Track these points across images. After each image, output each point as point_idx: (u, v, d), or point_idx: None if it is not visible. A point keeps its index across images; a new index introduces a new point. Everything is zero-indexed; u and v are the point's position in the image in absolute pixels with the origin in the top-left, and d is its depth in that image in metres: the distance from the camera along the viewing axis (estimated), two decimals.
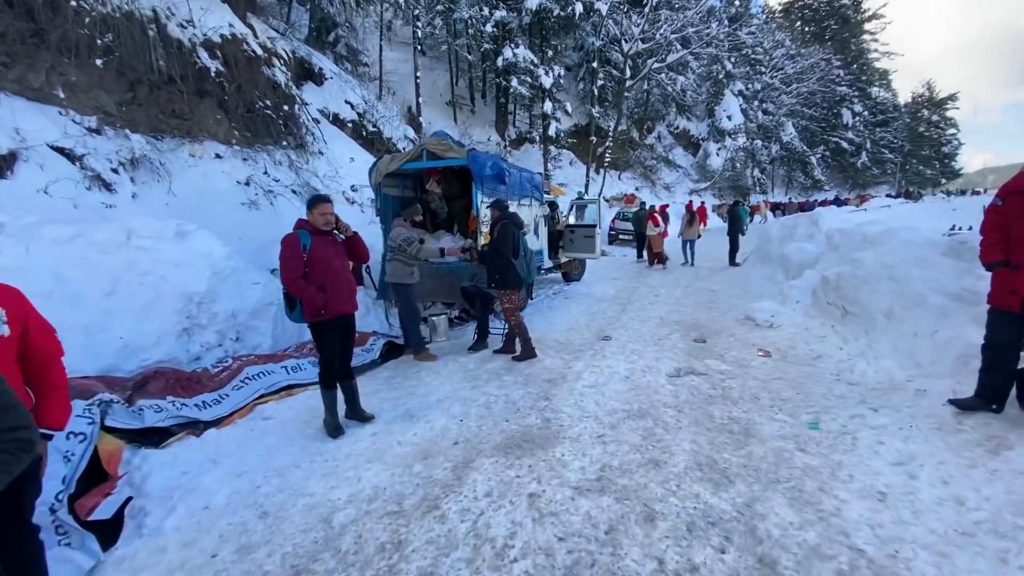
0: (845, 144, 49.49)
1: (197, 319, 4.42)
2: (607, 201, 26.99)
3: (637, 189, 32.16)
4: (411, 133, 17.92)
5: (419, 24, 18.67)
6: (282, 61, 12.54)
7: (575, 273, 10.36)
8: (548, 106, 24.02)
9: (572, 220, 9.99)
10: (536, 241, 8.28)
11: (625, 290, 9.39)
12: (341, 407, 3.73)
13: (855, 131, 50.68)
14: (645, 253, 13.40)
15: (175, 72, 9.46)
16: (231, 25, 10.47)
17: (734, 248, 11.70)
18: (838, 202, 36.75)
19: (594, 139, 28.08)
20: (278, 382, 4.26)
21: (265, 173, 10.53)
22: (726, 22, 34.92)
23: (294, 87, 13.70)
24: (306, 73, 15.39)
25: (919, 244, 4.43)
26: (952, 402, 3.32)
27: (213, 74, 9.86)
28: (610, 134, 29.30)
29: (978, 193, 53.72)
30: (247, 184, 9.97)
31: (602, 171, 29.43)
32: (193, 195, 9.14)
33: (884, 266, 4.52)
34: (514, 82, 23.46)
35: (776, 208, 34.90)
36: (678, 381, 4.36)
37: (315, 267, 3.34)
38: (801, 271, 7.80)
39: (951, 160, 66.11)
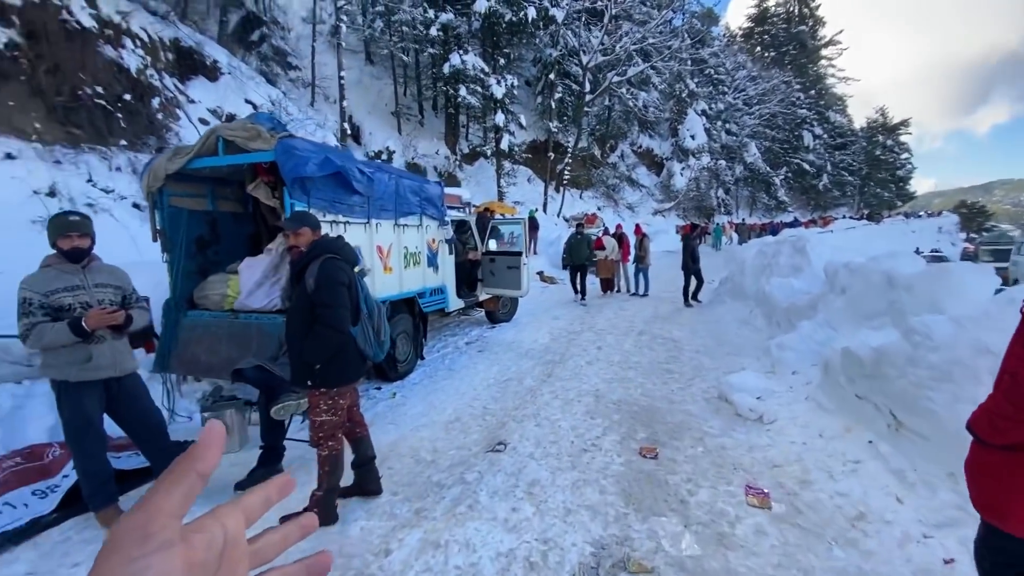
0: (807, 166, 49.56)
1: None
2: (567, 221, 25.09)
3: (599, 209, 30.51)
4: (333, 140, 15.49)
5: (344, 18, 16.40)
6: (139, 43, 10.01)
7: (503, 312, 8.05)
8: (500, 118, 22.01)
9: (492, 245, 7.71)
10: (433, 275, 5.94)
11: (562, 336, 7.11)
12: None
13: (816, 153, 50.92)
14: (597, 284, 11.37)
15: None
16: None
17: (689, 283, 9.24)
18: (795, 223, 35.79)
19: (552, 155, 26.26)
20: None
21: (89, 181, 7.91)
22: (688, 38, 34.07)
23: (167, 78, 11.16)
24: (195, 66, 12.84)
25: None
26: None
27: (2, 47, 7.26)
28: (569, 150, 27.59)
29: (934, 215, 55.36)
30: (51, 195, 7.34)
31: (562, 189, 27.64)
32: None
33: (980, 349, 2.37)
34: (462, 91, 21.40)
35: (739, 229, 33.76)
36: None
37: None
38: (791, 319, 5.70)
39: (905, 183, 67.70)
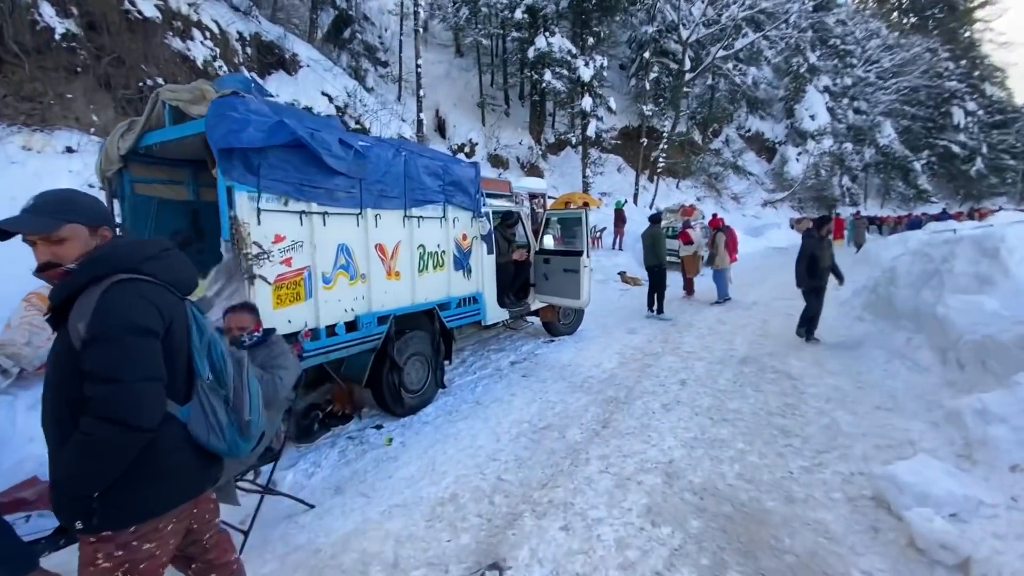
0: (956, 148, 41.70)
1: None
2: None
3: (699, 199, 27.67)
4: (409, 131, 14.89)
5: (421, 3, 15.74)
6: (209, 34, 9.86)
7: (564, 323, 6.64)
8: (587, 102, 20.34)
9: (548, 242, 6.29)
10: (463, 281, 4.71)
11: (635, 360, 5.57)
12: None
13: (968, 133, 42.63)
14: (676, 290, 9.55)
15: (7, 35, 6.91)
16: None
17: (809, 314, 6.08)
18: (944, 216, 29.52)
19: (645, 141, 24.04)
20: None
21: None
22: (809, 5, 29.66)
23: (245, 72, 11.07)
24: (276, 61, 12.77)
25: None
26: None
27: (59, 38, 7.18)
28: (665, 136, 25.10)
29: None
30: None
31: (656, 178, 25.32)
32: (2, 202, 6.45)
33: None
34: (547, 75, 20.02)
35: (871, 222, 28.62)
36: None
37: None
38: (987, 361, 3.72)
39: None
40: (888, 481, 2.62)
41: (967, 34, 50.61)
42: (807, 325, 6.14)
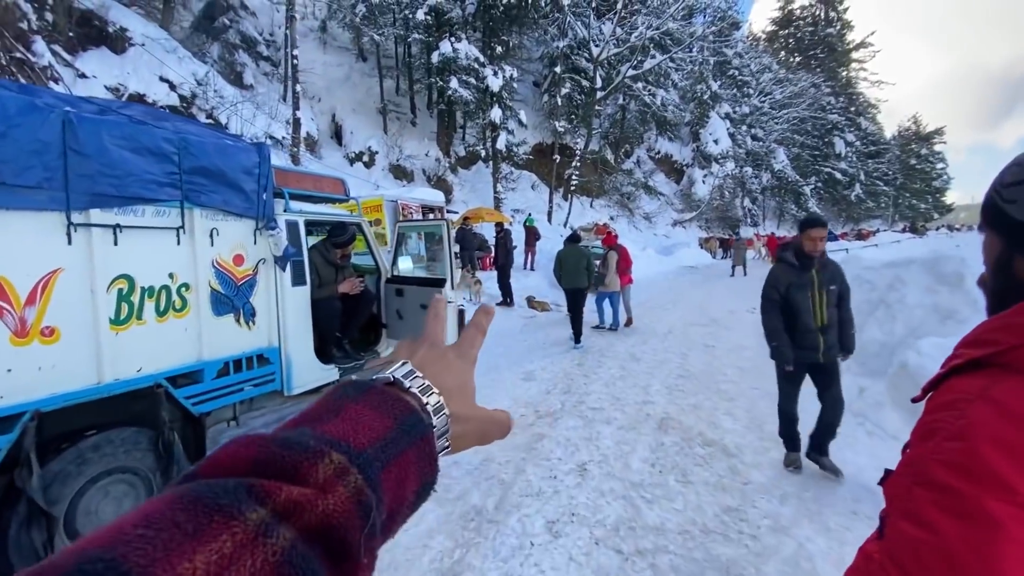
0: (839, 175, 45.80)
1: None
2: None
3: (612, 219, 27.50)
4: (280, 131, 12.70)
5: None
6: None
7: None
8: (496, 113, 19.19)
9: (402, 267, 4.64)
10: (239, 330, 2.93)
11: (521, 431, 4.02)
12: None
13: (848, 161, 47.13)
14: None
15: None
16: None
17: (788, 413, 3.27)
18: (831, 237, 31.86)
19: (558, 158, 23.32)
20: None
21: None
22: (709, 33, 31.04)
23: (41, 42, 8.50)
24: (96, 35, 10.22)
25: None
26: None
27: None
28: (578, 153, 24.66)
29: (972, 229, 51.17)
30: None
31: (570, 197, 24.70)
32: None
33: None
34: (454, 83, 18.65)
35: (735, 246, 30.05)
36: None
37: None
38: None
39: (942, 194, 63.22)
40: None
41: (845, 73, 56.64)
42: (796, 439, 3.24)
